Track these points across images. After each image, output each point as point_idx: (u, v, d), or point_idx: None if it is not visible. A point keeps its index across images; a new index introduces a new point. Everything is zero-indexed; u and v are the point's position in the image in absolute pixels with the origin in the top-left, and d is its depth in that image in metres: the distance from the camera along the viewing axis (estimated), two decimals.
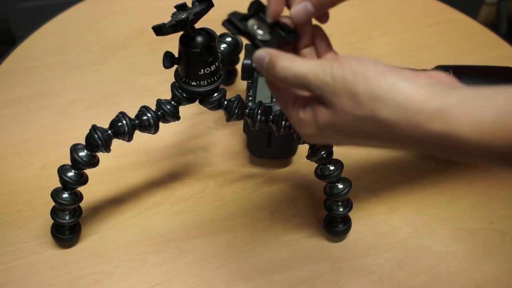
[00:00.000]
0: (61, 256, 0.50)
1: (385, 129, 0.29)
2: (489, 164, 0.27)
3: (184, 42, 0.42)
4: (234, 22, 0.37)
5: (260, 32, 0.37)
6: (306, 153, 0.48)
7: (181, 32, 0.42)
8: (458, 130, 0.26)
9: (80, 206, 0.49)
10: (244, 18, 0.37)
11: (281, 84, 0.34)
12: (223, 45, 0.55)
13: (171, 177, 0.58)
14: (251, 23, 0.37)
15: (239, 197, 0.56)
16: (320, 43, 0.39)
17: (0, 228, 0.52)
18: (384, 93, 0.29)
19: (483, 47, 0.77)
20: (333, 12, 0.38)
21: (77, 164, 0.45)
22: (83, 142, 0.46)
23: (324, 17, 0.39)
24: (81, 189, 0.48)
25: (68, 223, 0.48)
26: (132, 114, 0.46)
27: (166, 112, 0.46)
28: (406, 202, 0.56)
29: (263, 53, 0.35)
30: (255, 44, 0.36)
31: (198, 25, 0.42)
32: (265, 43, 0.36)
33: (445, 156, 0.29)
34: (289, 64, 0.33)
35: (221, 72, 0.45)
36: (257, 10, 0.38)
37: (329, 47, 0.39)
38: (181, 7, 0.41)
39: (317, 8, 0.36)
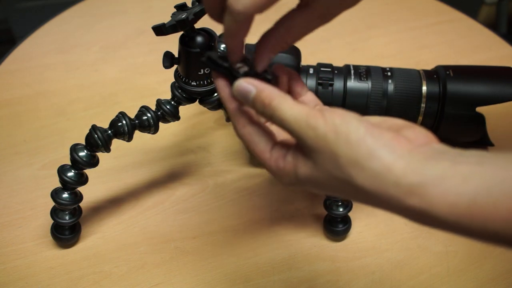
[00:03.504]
0: (61, 256, 0.50)
1: (361, 194, 0.29)
2: (466, 238, 0.27)
3: (184, 42, 0.42)
4: (213, 58, 0.35)
5: (239, 65, 0.35)
6: None
7: (181, 32, 0.42)
8: (434, 209, 0.26)
9: (80, 206, 0.49)
10: (222, 57, 0.35)
11: (267, 119, 0.33)
12: (223, 45, 0.55)
13: (171, 177, 0.58)
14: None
15: (239, 197, 0.56)
16: (295, 86, 0.38)
17: (0, 228, 0.52)
18: (363, 159, 0.28)
19: (483, 47, 0.77)
20: None
21: (77, 164, 0.45)
22: (83, 142, 0.46)
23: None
24: (81, 189, 0.48)
25: (68, 223, 0.48)
26: (132, 114, 0.47)
27: (166, 112, 0.46)
28: None
29: (248, 85, 0.32)
30: (235, 76, 0.34)
31: (198, 25, 0.42)
32: (247, 74, 0.34)
33: (421, 225, 0.28)
34: (277, 104, 0.31)
35: None
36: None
37: (304, 89, 0.38)
38: (181, 7, 0.41)
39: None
